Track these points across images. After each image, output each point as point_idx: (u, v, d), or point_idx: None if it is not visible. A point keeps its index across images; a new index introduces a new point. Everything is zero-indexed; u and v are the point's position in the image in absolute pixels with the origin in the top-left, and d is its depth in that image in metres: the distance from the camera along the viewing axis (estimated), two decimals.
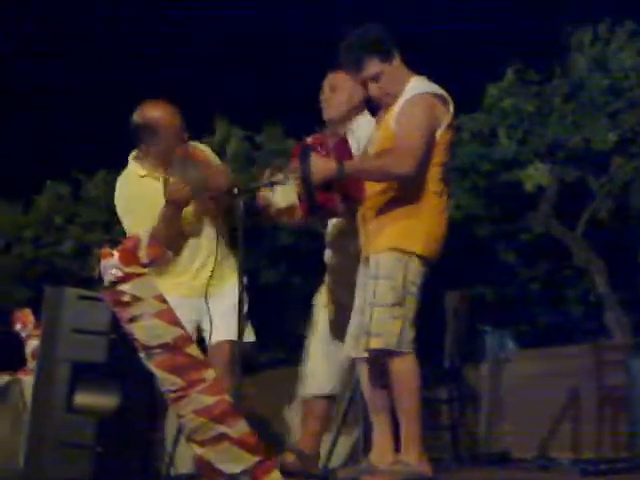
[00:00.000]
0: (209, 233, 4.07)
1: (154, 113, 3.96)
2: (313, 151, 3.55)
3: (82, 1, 9.83)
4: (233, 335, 3.84)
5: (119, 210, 4.10)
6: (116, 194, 4.13)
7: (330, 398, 4.17)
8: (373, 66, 3.63)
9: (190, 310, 3.93)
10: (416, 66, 3.75)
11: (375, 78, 3.65)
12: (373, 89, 3.69)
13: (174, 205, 3.88)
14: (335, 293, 4.14)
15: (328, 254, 4.21)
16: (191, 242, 4.06)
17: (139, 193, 4.01)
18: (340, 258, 4.11)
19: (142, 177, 4.03)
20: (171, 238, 3.94)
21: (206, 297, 3.88)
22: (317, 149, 3.57)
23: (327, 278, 4.23)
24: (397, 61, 3.69)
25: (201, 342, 3.99)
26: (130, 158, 4.12)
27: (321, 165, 3.51)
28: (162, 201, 3.91)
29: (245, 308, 3.62)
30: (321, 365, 4.11)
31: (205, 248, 4.06)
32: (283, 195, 3.73)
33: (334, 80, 4.12)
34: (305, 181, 3.52)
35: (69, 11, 9.74)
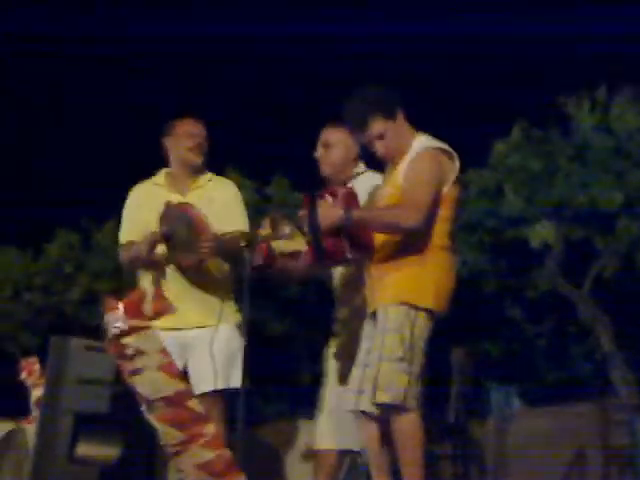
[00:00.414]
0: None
1: (173, 125, 4.18)
2: (321, 199, 3.58)
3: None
4: (219, 384, 3.84)
5: (124, 211, 4.21)
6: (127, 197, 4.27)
7: (341, 453, 4.14)
8: (378, 125, 3.67)
9: (173, 345, 3.89)
10: (422, 121, 3.79)
11: (380, 136, 3.69)
12: (379, 147, 3.72)
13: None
14: (343, 346, 4.14)
15: (336, 307, 4.23)
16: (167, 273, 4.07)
17: (138, 201, 4.13)
18: (348, 311, 4.12)
19: (156, 185, 4.15)
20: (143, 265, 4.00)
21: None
22: (326, 197, 3.60)
23: (335, 331, 4.23)
24: (401, 118, 3.73)
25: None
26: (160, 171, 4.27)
27: (328, 212, 3.53)
28: (158, 212, 3.98)
29: (240, 354, 3.61)
30: (332, 419, 4.09)
31: (177, 280, 4.06)
32: (284, 242, 3.76)
33: (327, 137, 4.15)
34: (312, 227, 3.54)
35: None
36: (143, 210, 4.08)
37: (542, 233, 5.68)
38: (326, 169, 4.15)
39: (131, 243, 4.06)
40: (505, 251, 6.06)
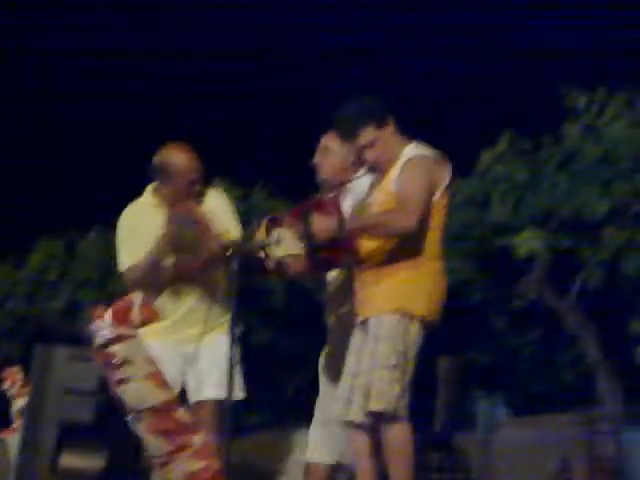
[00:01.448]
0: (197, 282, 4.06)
1: (171, 157, 4.08)
2: (313, 211, 3.57)
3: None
4: (219, 393, 3.81)
5: (118, 236, 4.13)
6: (120, 219, 4.18)
7: (333, 466, 4.10)
8: (368, 133, 3.68)
9: (175, 357, 3.90)
10: (411, 129, 3.80)
11: (370, 145, 3.69)
12: (369, 155, 3.73)
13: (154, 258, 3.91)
14: (335, 356, 4.11)
15: (328, 315, 4.20)
16: (176, 289, 4.04)
17: (137, 223, 4.08)
18: (339, 320, 4.09)
19: (148, 207, 4.09)
20: (152, 283, 3.96)
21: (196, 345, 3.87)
22: (317, 209, 3.59)
23: (327, 340, 4.21)
24: (392, 127, 3.74)
25: (183, 393, 3.94)
26: (147, 188, 4.20)
27: (322, 223, 3.53)
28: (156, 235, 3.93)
29: (236, 364, 3.59)
30: (323, 431, 4.06)
31: (191, 296, 4.04)
32: (281, 246, 3.73)
33: (326, 142, 4.15)
34: (309, 241, 3.53)
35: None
36: (143, 232, 4.01)
37: (528, 242, 5.68)
38: (324, 174, 4.13)
39: (136, 266, 3.99)
40: (491, 260, 6.06)
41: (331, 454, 4.05)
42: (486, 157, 6.00)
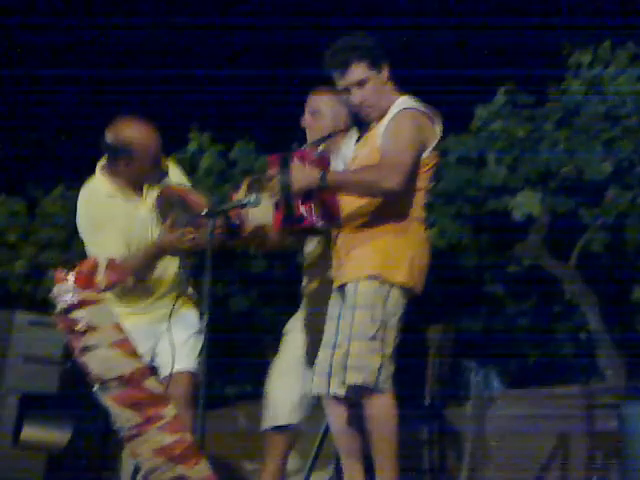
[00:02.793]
0: (175, 261, 4.05)
1: (130, 133, 3.87)
2: (294, 159, 3.54)
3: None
4: (192, 366, 3.83)
5: (83, 230, 4.00)
6: (80, 212, 4.03)
7: (292, 432, 4.13)
8: (359, 71, 3.63)
9: (147, 336, 3.91)
10: (404, 83, 3.77)
11: (359, 84, 3.65)
12: (355, 97, 3.68)
13: (163, 251, 3.86)
14: (309, 322, 4.13)
15: (305, 282, 4.21)
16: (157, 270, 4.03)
17: (107, 214, 3.94)
18: (316, 287, 4.10)
19: (110, 197, 3.96)
20: (145, 273, 3.94)
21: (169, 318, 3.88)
22: (298, 159, 3.56)
23: (302, 306, 4.22)
24: (385, 73, 3.69)
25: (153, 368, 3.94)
26: (98, 170, 4.02)
27: (302, 173, 3.49)
28: (131, 223, 3.89)
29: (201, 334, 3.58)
30: (283, 397, 4.09)
31: (170, 276, 4.05)
32: (261, 211, 3.73)
33: (315, 104, 4.11)
34: (284, 189, 3.50)
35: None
36: (113, 226, 3.91)
37: (526, 204, 5.68)
38: (314, 137, 4.09)
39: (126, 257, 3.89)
40: (486, 223, 6.06)
41: (289, 420, 4.08)
42: (482, 113, 5.98)
